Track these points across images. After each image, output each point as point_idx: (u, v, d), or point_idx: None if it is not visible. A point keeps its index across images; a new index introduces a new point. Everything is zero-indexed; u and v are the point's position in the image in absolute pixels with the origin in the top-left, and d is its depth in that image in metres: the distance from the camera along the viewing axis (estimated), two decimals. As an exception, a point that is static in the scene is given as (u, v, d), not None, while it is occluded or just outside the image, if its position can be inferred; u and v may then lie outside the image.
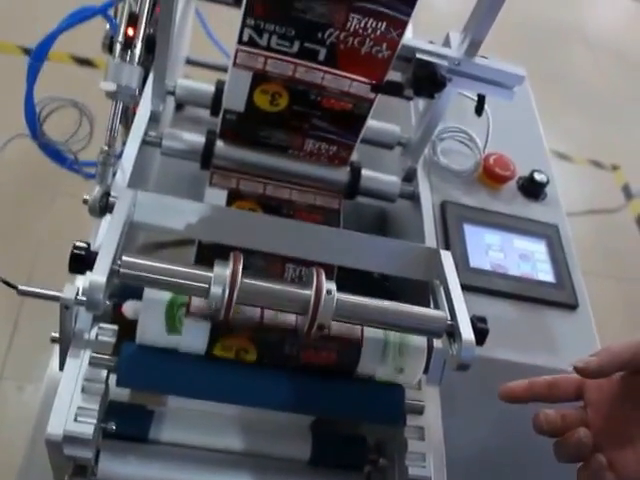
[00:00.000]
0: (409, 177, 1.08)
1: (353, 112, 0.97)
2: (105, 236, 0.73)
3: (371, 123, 1.05)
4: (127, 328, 0.77)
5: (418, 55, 0.91)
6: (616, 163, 3.47)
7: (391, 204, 1.09)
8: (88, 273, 0.69)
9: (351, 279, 0.96)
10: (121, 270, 0.71)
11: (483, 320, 0.77)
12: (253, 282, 0.73)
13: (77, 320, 0.76)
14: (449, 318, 0.78)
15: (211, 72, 1.50)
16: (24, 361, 1.87)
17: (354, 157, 1.06)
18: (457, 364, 0.74)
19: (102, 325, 0.76)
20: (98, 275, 0.67)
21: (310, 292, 0.73)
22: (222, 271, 0.71)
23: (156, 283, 0.73)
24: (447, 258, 0.86)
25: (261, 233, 0.89)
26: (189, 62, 1.50)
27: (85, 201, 0.81)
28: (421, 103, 1.09)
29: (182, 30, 1.20)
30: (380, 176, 1.07)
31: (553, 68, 3.78)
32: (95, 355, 0.74)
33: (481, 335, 0.76)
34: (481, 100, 0.98)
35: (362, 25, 0.87)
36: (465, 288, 0.84)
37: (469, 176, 1.11)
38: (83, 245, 0.72)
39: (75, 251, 0.71)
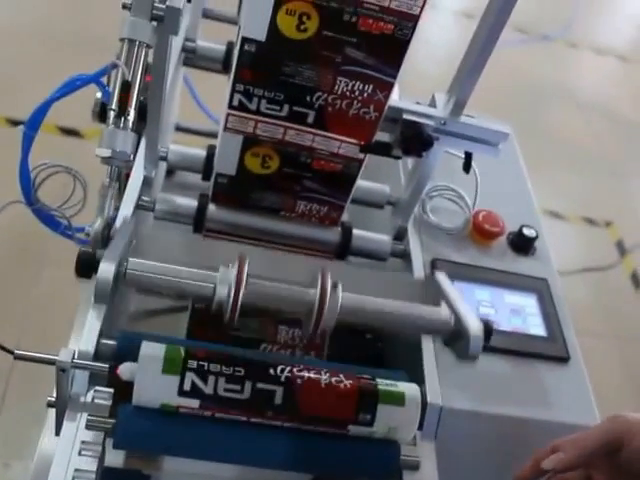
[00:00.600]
0: (400, 236, 1.10)
1: (343, 173, 0.99)
2: (111, 243, 0.77)
3: (361, 183, 1.07)
4: (123, 391, 0.77)
5: (405, 116, 0.93)
6: (609, 219, 3.49)
7: (382, 263, 1.09)
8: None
9: (343, 343, 0.97)
10: (128, 271, 0.72)
11: (486, 319, 0.80)
12: (259, 282, 0.75)
13: (73, 383, 0.77)
14: (455, 318, 0.79)
15: (199, 138, 1.52)
16: (11, 437, 1.83)
17: (345, 217, 1.07)
18: (467, 354, 0.76)
19: (98, 388, 0.76)
20: (107, 264, 0.71)
21: (315, 291, 0.74)
22: (227, 271, 0.73)
23: (162, 285, 0.75)
24: (443, 278, 0.89)
25: (259, 264, 0.89)
26: (178, 129, 1.52)
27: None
28: (410, 162, 1.11)
29: (172, 96, 1.22)
30: (371, 235, 1.08)
31: (542, 127, 3.84)
32: (92, 418, 0.74)
33: (487, 329, 0.78)
34: (468, 157, 0.99)
35: (349, 88, 0.89)
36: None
37: (459, 233, 1.12)
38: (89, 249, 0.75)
39: (82, 255, 0.75)
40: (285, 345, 0.99)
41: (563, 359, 1.01)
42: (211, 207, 1.04)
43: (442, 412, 0.87)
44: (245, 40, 0.84)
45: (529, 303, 1.06)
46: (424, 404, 0.83)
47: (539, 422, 0.93)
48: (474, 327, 0.75)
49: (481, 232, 1.11)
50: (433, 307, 0.81)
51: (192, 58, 1.25)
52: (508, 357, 0.98)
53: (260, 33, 0.84)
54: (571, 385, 0.98)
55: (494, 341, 0.97)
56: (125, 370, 0.75)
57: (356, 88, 0.89)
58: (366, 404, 0.75)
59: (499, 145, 0.97)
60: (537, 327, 1.03)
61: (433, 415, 0.85)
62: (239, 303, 0.72)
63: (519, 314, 1.04)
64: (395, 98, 0.94)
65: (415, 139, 0.92)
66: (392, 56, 0.87)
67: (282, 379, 0.73)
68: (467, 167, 1.00)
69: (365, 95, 0.90)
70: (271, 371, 0.73)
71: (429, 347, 0.91)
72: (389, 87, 0.89)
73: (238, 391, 0.72)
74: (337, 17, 0.82)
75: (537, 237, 1.13)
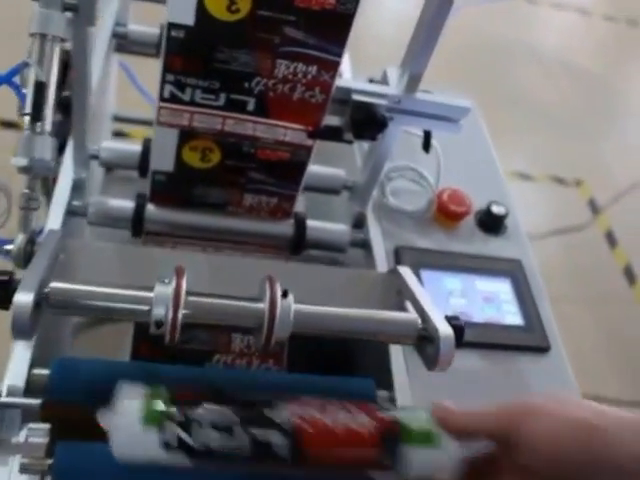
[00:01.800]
0: (359, 223, 1.02)
1: (291, 161, 0.91)
2: (31, 264, 0.66)
3: (313, 168, 0.99)
4: (61, 427, 0.69)
5: (355, 96, 0.85)
6: (579, 178, 3.43)
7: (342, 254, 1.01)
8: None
9: (303, 355, 0.90)
10: (50, 297, 0.63)
11: (456, 318, 0.71)
12: (199, 299, 0.66)
13: (3, 425, 0.69)
14: (421, 322, 0.71)
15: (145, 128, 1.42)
16: None
17: (300, 208, 0.99)
18: (437, 363, 0.67)
19: (32, 425, 0.68)
20: (24, 293, 0.60)
21: (264, 305, 0.66)
22: (164, 289, 0.64)
23: (91, 309, 0.66)
24: (407, 272, 0.80)
25: (203, 273, 0.81)
26: (118, 119, 1.42)
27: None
28: (365, 144, 1.03)
29: (105, 87, 1.13)
30: (327, 226, 1.00)
31: (504, 86, 3.76)
32: (25, 461, 0.66)
33: (458, 332, 0.69)
34: (427, 136, 0.91)
35: (291, 71, 0.81)
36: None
37: (423, 216, 1.04)
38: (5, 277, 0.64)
39: None
40: (241, 354, 0.91)
41: (543, 349, 0.94)
42: (150, 208, 0.95)
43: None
44: (172, 26, 0.75)
45: (503, 289, 0.98)
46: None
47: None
48: (443, 333, 0.67)
49: (446, 213, 1.03)
50: (397, 312, 0.73)
51: (125, 44, 1.15)
52: (484, 352, 0.91)
53: (188, 17, 0.75)
54: (553, 377, 0.92)
55: (468, 335, 0.90)
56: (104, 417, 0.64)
57: (298, 70, 0.81)
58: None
59: (460, 121, 0.89)
60: (513, 315, 0.96)
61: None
62: (178, 325, 0.64)
63: (493, 302, 0.96)
64: (347, 77, 0.86)
65: (367, 122, 0.84)
66: (336, 33, 0.78)
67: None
68: (427, 146, 0.93)
69: (309, 77, 0.81)
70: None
71: (397, 348, 0.84)
72: (335, 67, 0.81)
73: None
74: (271, -7, 0.73)
75: (507, 214, 1.05)
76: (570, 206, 3.33)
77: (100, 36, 1.07)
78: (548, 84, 3.97)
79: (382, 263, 0.95)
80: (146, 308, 0.64)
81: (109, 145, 0.99)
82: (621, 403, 2.49)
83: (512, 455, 0.60)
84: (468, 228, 1.06)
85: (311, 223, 0.98)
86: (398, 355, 0.83)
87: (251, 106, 0.84)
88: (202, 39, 0.77)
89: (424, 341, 0.70)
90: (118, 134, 1.66)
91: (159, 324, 0.63)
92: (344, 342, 0.96)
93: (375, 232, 0.99)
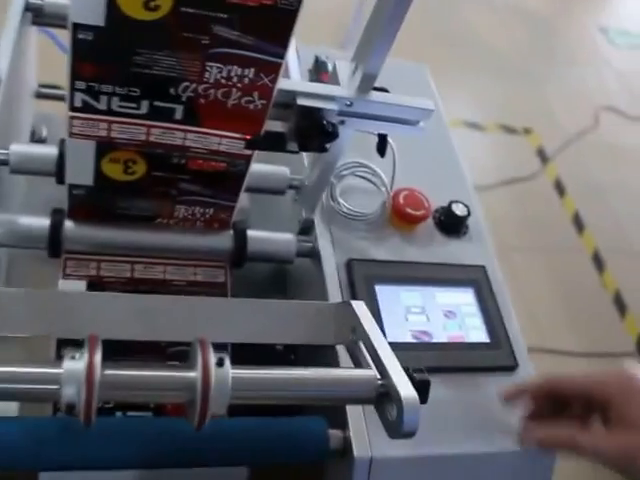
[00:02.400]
0: (306, 230, 0.91)
1: (228, 171, 0.80)
2: None
3: (254, 167, 0.88)
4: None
5: (299, 101, 0.73)
6: (528, 126, 3.36)
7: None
8: None
9: (248, 358, 0.79)
10: None
11: (421, 370, 0.62)
12: (118, 372, 0.56)
13: None
14: (379, 377, 0.61)
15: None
16: None
17: (241, 215, 0.88)
18: (400, 431, 0.57)
19: None
20: None
21: (196, 373, 0.56)
22: (74, 365, 0.53)
23: None
24: (361, 308, 0.70)
25: (128, 317, 0.70)
26: (43, 96, 1.27)
27: None
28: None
29: (20, 69, 0.99)
30: (270, 236, 0.89)
31: (452, 30, 3.64)
32: None
33: (423, 389, 0.60)
34: (382, 140, 0.81)
35: (224, 74, 0.69)
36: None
37: (377, 220, 0.93)
38: None
39: None
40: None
41: (510, 368, 0.85)
42: (68, 224, 0.83)
43: (372, 464, 0.72)
44: (78, 27, 0.63)
45: (466, 300, 0.89)
46: (350, 457, 0.67)
47: (490, 455, 0.78)
48: (405, 396, 0.57)
49: (403, 217, 0.93)
50: (351, 369, 0.64)
51: (41, 17, 1.00)
52: (446, 376, 0.82)
53: (97, 16, 0.62)
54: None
55: (428, 360, 0.82)
56: None
57: (233, 74, 0.69)
58: None
59: (421, 123, 0.78)
60: (477, 331, 0.87)
61: (362, 470, 0.71)
62: (94, 406, 0.53)
63: (455, 317, 0.87)
64: (295, 77, 0.74)
65: (313, 131, 0.73)
66: (276, 32, 0.66)
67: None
68: (382, 150, 0.82)
69: (246, 81, 0.70)
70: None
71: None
72: (276, 69, 0.69)
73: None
74: (197, -13, 0.61)
75: (469, 215, 0.95)
76: (519, 155, 3.27)
77: (11, 10, 0.93)
78: (499, 28, 3.86)
79: (332, 279, 0.85)
80: (55, 387, 0.53)
81: (19, 149, 0.86)
82: (574, 355, 2.46)
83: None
84: (427, 231, 0.95)
85: (252, 234, 0.88)
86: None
87: (179, 114, 0.72)
88: (116, 41, 0.65)
89: (383, 400, 0.60)
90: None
91: (71, 407, 0.53)
92: (293, 351, 0.87)
93: (324, 241, 0.89)
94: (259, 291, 0.97)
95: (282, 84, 0.72)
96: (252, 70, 0.69)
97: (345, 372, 0.62)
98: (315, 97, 0.74)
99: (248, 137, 0.75)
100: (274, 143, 0.76)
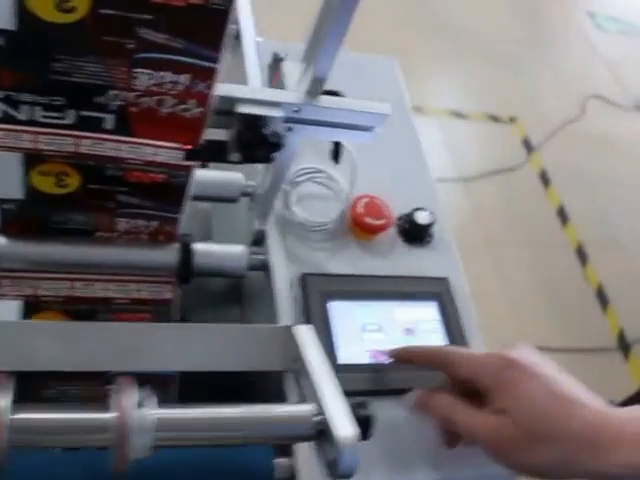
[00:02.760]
0: (259, 241, 0.86)
1: (169, 183, 0.74)
2: None
3: (205, 174, 0.83)
4: None
5: (240, 109, 0.68)
6: (513, 115, 3.31)
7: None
8: None
9: (202, 383, 0.75)
10: None
11: (363, 405, 0.58)
12: (29, 416, 0.51)
13: None
14: (317, 412, 0.57)
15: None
16: None
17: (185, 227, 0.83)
18: (337, 473, 0.53)
19: None
20: None
21: (112, 415, 0.51)
22: None
23: None
24: (305, 333, 0.66)
25: (62, 348, 0.65)
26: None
27: None
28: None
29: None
30: (219, 249, 0.84)
31: (438, 16, 3.58)
32: None
33: (364, 426, 0.56)
34: (337, 147, 0.75)
35: (155, 81, 0.64)
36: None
37: (335, 229, 0.88)
38: None
39: None
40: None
41: (474, 388, 0.80)
42: (2, 241, 0.77)
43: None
44: (-16, 30, 0.57)
45: (428, 315, 0.84)
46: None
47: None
48: (343, 437, 0.52)
49: (362, 226, 0.87)
50: (287, 406, 0.59)
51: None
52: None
53: (6, 19, 0.57)
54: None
55: (385, 381, 0.77)
56: None
57: (165, 81, 0.64)
58: None
59: (376, 129, 0.73)
60: (439, 348, 0.81)
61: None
62: (1, 454, 0.48)
63: (416, 334, 0.82)
64: (253, 79, 0.69)
65: (256, 143, 0.67)
66: (208, 34, 0.61)
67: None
68: (336, 157, 0.77)
69: (180, 88, 0.64)
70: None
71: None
72: (211, 74, 0.64)
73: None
74: (116, -13, 0.56)
75: (433, 223, 0.90)
76: (504, 145, 3.23)
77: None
78: (485, 14, 3.81)
79: (283, 295, 0.80)
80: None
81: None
82: (555, 350, 2.42)
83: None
84: (389, 240, 0.90)
85: (199, 247, 0.82)
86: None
87: (110, 124, 0.67)
88: (31, 46, 0.59)
89: (323, 437, 0.55)
90: None
91: None
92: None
93: (277, 254, 0.83)
94: (213, 304, 0.93)
95: (222, 90, 0.67)
96: (186, 76, 0.64)
97: (282, 408, 0.57)
98: (257, 104, 0.68)
99: (187, 147, 0.70)
100: (215, 153, 0.70)
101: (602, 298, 2.71)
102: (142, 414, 0.51)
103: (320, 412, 0.56)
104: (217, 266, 0.83)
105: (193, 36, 0.61)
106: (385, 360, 0.78)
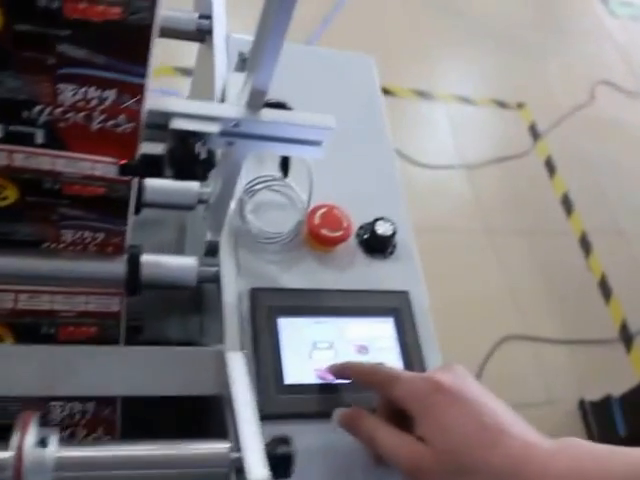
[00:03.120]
0: (212, 252, 0.83)
1: (110, 196, 0.72)
2: None
3: (158, 182, 0.80)
4: None
5: (173, 124, 0.65)
6: (521, 101, 3.25)
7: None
8: None
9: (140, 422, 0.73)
10: None
11: (285, 441, 0.56)
12: None
13: None
14: (235, 447, 0.55)
15: None
16: None
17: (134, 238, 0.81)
18: None
19: None
20: None
21: (11, 454, 0.49)
22: None
23: None
24: (236, 360, 0.65)
25: None
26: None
27: None
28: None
29: None
30: (168, 260, 0.82)
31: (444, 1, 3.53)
32: None
33: (282, 464, 0.54)
34: (285, 160, 0.73)
35: (80, 97, 0.62)
36: (279, 417, 0.66)
37: (291, 241, 0.86)
38: None
39: None
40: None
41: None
42: (-57, 251, 0.76)
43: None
44: None
45: (383, 332, 0.81)
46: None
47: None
48: (255, 477, 0.50)
49: (318, 238, 0.85)
50: (206, 441, 0.56)
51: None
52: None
53: None
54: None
55: (333, 403, 0.74)
56: None
57: (91, 96, 0.62)
58: None
59: (322, 144, 0.70)
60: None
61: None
62: None
63: (369, 353, 0.80)
64: (219, 82, 0.67)
65: (187, 160, 0.65)
66: (131, 49, 0.59)
67: None
68: (285, 170, 0.74)
69: (108, 104, 0.62)
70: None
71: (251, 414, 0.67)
72: (139, 90, 0.62)
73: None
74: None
75: (395, 233, 0.87)
76: (511, 131, 3.18)
77: None
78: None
79: (231, 311, 0.78)
80: None
81: None
82: (556, 342, 2.40)
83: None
84: (348, 252, 0.87)
85: (147, 258, 0.80)
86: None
87: (40, 138, 0.65)
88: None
89: (240, 475, 0.53)
90: None
91: None
92: (191, 407, 0.79)
93: (228, 267, 0.81)
94: (172, 313, 0.91)
95: (155, 103, 0.64)
96: (113, 91, 0.62)
97: (197, 445, 0.55)
98: (191, 118, 0.66)
99: (123, 161, 0.68)
100: (150, 169, 0.68)
101: (605, 289, 2.68)
102: (40, 453, 0.49)
103: (237, 450, 0.54)
104: (166, 278, 0.81)
105: (116, 51, 0.59)
106: (332, 380, 0.76)
